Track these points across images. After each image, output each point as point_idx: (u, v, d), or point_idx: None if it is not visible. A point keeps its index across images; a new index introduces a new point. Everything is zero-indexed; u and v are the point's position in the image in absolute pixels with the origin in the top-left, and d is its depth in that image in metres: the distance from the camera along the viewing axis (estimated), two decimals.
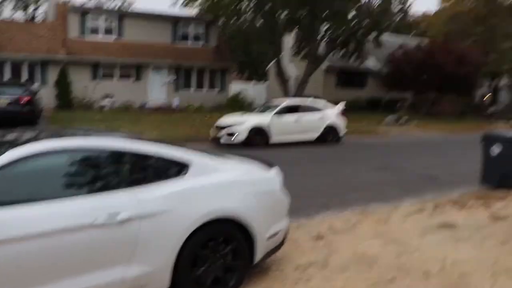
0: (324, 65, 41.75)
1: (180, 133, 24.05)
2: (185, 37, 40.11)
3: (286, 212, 7.65)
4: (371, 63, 44.57)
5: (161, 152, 6.68)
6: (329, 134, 23.99)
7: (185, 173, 6.71)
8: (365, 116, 36.20)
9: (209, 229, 6.53)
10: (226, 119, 22.96)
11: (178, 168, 6.69)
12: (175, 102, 38.04)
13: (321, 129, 23.77)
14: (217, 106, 39.04)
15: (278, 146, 22.35)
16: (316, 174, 15.36)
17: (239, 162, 7.61)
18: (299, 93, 35.53)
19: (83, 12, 37.14)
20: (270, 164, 7.79)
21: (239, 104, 39.29)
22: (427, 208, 11.15)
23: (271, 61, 46.65)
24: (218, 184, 6.83)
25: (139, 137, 7.19)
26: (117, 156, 6.37)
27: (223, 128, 22.29)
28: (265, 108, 24.36)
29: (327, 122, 23.98)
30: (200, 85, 39.91)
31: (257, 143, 22.14)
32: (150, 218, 6.13)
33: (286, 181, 8.49)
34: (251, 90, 47.25)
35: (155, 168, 6.54)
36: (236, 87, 44.67)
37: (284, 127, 22.90)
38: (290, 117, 23.27)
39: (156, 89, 38.32)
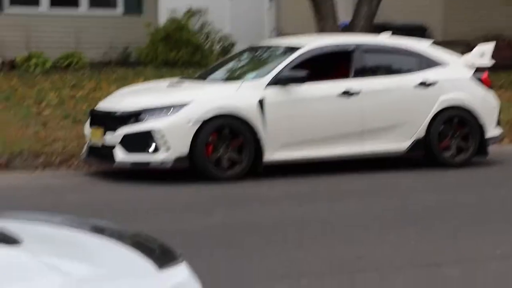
0: None
1: None
2: None
3: None
4: None
5: None
6: (453, 137, 10.14)
7: None
8: None
9: None
10: (126, 98, 10.08)
11: None
12: None
13: (425, 123, 10.09)
14: (122, 57, 18.21)
15: (288, 176, 9.57)
16: None
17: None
18: (364, 13, 15.23)
19: None
20: (168, 258, 3.05)
21: (189, 49, 18.12)
22: None
23: None
24: None
25: None
26: None
27: (115, 122, 9.56)
28: (254, 61, 10.74)
29: (446, 101, 10.17)
30: None
31: (223, 165, 9.43)
32: None
33: None
34: (227, 6, 21.75)
35: None
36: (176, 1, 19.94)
37: (305, 118, 9.81)
38: (326, 88, 9.94)
39: None
